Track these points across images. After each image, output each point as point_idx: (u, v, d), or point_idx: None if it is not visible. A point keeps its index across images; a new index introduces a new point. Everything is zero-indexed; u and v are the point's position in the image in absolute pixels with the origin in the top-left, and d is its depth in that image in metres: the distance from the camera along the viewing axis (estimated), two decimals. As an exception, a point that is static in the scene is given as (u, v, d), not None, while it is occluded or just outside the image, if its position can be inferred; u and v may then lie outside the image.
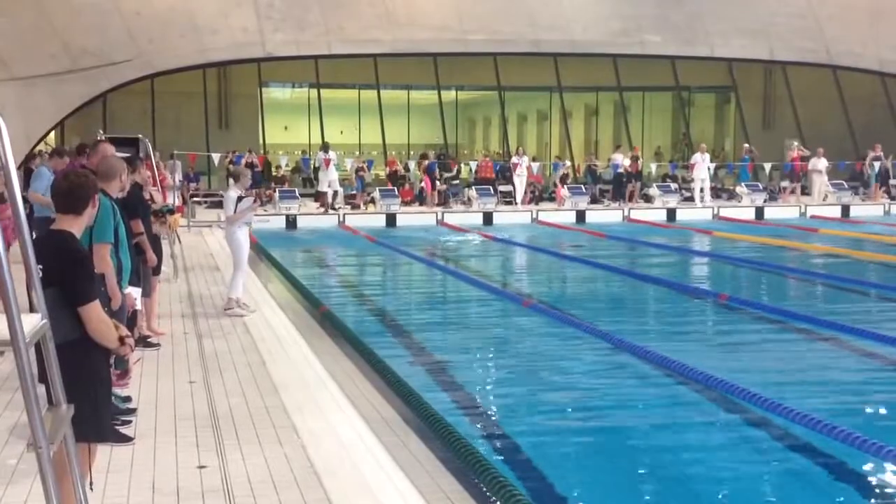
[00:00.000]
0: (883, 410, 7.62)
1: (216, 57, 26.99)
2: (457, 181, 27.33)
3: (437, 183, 26.11)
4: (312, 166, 27.66)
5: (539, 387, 8.27)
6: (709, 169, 26.65)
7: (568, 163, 28.40)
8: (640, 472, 6.32)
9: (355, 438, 6.05)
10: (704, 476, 6.19)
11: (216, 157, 24.71)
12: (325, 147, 24.84)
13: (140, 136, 15.91)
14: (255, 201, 11.13)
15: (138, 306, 6.88)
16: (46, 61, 22.68)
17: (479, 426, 7.09)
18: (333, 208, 23.86)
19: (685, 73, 30.52)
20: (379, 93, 28.80)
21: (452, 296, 13.75)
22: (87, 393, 3.99)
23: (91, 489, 3.90)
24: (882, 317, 11.86)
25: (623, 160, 27.64)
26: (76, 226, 4.29)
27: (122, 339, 4.25)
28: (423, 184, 26.21)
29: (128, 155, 8.67)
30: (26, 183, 12.25)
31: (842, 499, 5.93)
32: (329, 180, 24.06)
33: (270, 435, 6.03)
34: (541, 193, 26.80)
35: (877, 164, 27.45)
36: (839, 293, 13.63)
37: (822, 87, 30.17)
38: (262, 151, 27.27)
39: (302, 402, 6.84)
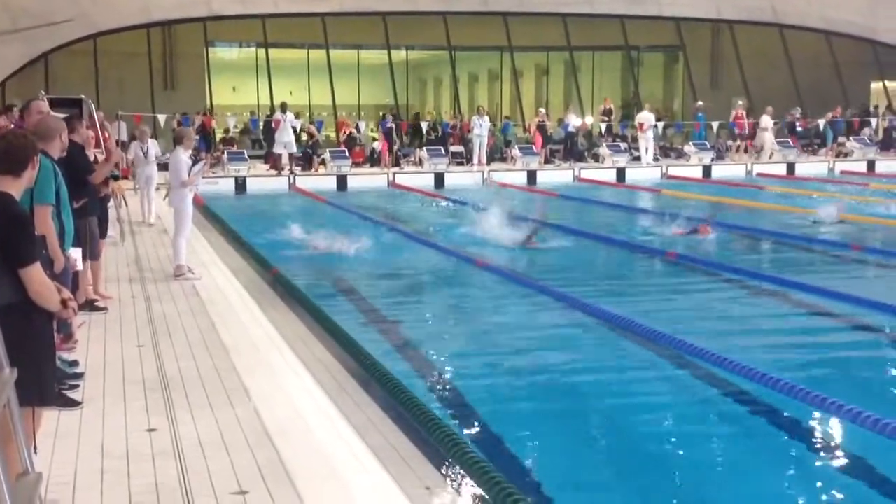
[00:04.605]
0: (826, 363, 7.78)
1: (160, 16, 26.42)
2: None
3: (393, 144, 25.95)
4: (261, 126, 27.32)
5: (493, 347, 8.31)
6: (655, 127, 26.77)
7: (543, 110, 28.43)
8: (592, 429, 6.40)
9: (307, 399, 6.05)
10: (653, 429, 6.30)
11: (162, 118, 24.26)
12: (282, 107, 24.46)
13: (83, 96, 15.54)
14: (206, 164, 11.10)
15: (79, 267, 6.76)
16: (-15, 22, 22.05)
17: (431, 385, 7.12)
18: (291, 171, 23.55)
19: (634, 33, 30.59)
20: (328, 52, 28.45)
21: (405, 257, 13.71)
22: (30, 357, 3.92)
23: (35, 453, 3.85)
24: (826, 271, 12.10)
25: (574, 119, 27.74)
26: (15, 188, 4.20)
27: (64, 302, 4.19)
28: (375, 144, 26.04)
29: (66, 115, 8.45)
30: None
31: (786, 449, 6.07)
32: (284, 142, 23.72)
33: (221, 397, 6.00)
34: (491, 153, 26.79)
35: (821, 122, 27.93)
36: (785, 249, 13.89)
37: (768, 46, 30.47)
38: (209, 112, 26.82)
39: (253, 365, 6.81)
